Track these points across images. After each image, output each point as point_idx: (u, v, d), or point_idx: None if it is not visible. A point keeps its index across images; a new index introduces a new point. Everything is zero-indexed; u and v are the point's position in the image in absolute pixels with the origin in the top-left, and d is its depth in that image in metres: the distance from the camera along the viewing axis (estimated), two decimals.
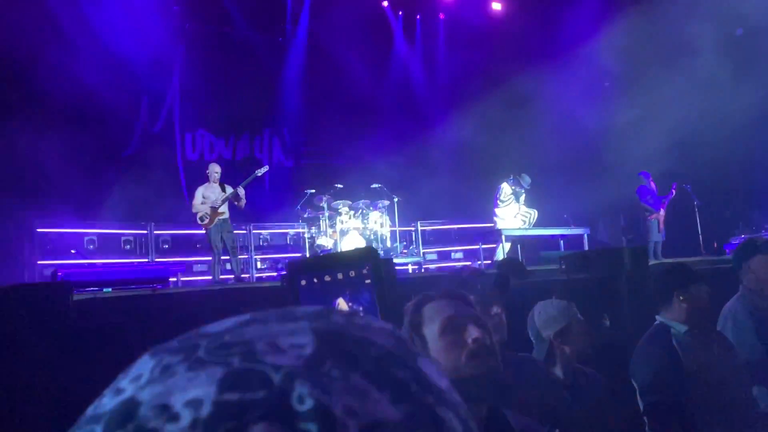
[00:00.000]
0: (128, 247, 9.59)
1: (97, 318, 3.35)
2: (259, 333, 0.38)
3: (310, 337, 0.37)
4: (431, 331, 1.56)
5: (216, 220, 8.21)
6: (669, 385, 2.57)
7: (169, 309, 3.69)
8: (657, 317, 2.88)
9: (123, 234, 9.65)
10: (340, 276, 0.84)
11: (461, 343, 1.52)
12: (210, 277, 8.57)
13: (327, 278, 0.86)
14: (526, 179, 9.54)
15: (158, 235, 9.88)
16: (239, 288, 4.91)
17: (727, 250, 10.67)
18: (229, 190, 8.43)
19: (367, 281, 0.85)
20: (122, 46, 10.48)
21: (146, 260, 9.34)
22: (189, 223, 10.18)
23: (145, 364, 0.37)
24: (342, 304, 0.88)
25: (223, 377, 0.34)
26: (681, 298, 2.73)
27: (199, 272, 9.74)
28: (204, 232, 8.29)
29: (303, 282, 0.87)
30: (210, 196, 8.34)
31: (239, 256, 8.69)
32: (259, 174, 8.86)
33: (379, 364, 0.37)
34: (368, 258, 0.85)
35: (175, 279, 7.32)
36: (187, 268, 9.29)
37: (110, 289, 5.22)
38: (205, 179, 8.53)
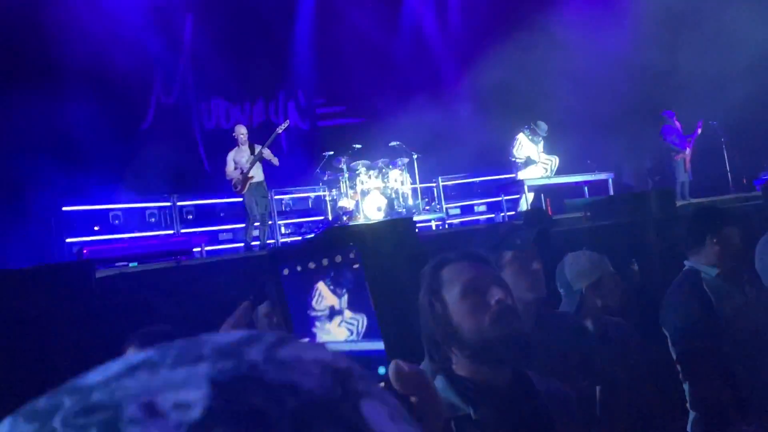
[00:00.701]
0: (153, 219, 9.68)
1: (123, 294, 3.37)
2: (140, 386, 0.30)
3: (205, 390, 0.29)
4: (452, 294, 1.52)
5: (248, 184, 8.10)
6: (701, 331, 2.51)
7: (193, 280, 3.71)
8: (686, 262, 2.80)
9: (147, 207, 9.73)
10: (325, 262, 0.79)
11: (484, 305, 1.48)
12: (242, 244, 8.50)
13: (311, 265, 0.81)
14: (543, 126, 9.34)
15: (182, 207, 9.95)
16: (260, 256, 4.91)
17: (757, 186, 10.42)
18: (259, 149, 8.33)
19: (355, 266, 0.79)
20: (131, 18, 10.43)
21: (171, 232, 9.43)
22: (212, 192, 10.26)
23: None
24: (323, 288, 0.82)
25: None
26: (714, 240, 2.64)
27: (224, 240, 9.82)
28: (240, 199, 8.25)
29: (285, 271, 0.82)
30: (240, 160, 8.21)
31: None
32: (280, 131, 8.67)
33: (298, 420, 0.29)
34: (355, 240, 0.79)
35: (199, 249, 7.37)
36: (211, 238, 9.36)
37: (136, 264, 5.28)
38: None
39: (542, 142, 9.50)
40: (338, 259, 0.77)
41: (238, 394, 0.29)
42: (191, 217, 9.93)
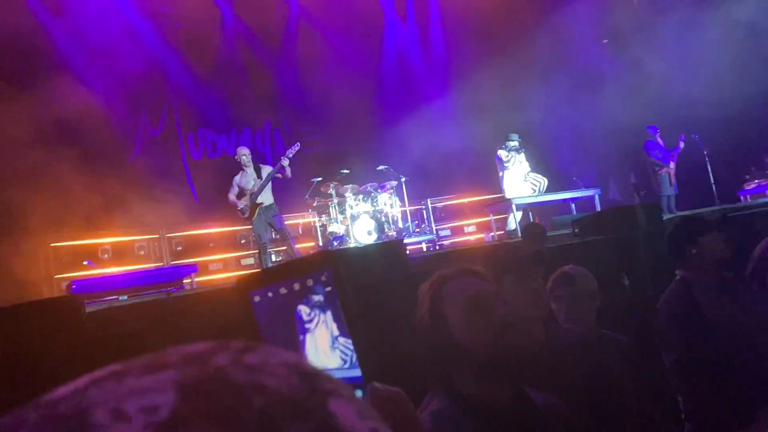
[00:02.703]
0: (142, 252, 9.62)
1: (113, 328, 3.34)
2: (106, 395, 0.30)
3: (170, 395, 0.29)
4: (454, 311, 1.50)
5: (258, 210, 7.90)
6: (693, 340, 2.52)
7: (183, 312, 3.68)
8: (676, 272, 2.82)
9: (136, 240, 9.68)
10: (297, 287, 0.78)
11: (488, 321, 1.47)
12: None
13: (283, 291, 0.80)
14: (513, 137, 9.51)
15: (171, 238, 9.90)
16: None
17: (741, 197, 10.55)
18: (266, 171, 8.10)
19: (328, 289, 0.79)
20: (116, 54, 10.47)
21: (161, 264, 9.37)
22: (201, 222, 10.22)
23: None
24: (304, 310, 0.82)
25: None
26: (693, 251, 2.67)
27: (214, 270, 9.77)
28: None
29: (257, 298, 0.81)
30: (246, 185, 8.01)
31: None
32: (291, 155, 8.33)
33: (266, 418, 0.29)
34: (327, 263, 0.78)
35: (189, 280, 7.32)
36: (202, 268, 9.30)
37: (126, 297, 5.24)
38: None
39: (523, 152, 9.58)
40: (310, 282, 0.76)
41: (205, 395, 0.30)
42: (180, 248, 9.88)
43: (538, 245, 3.88)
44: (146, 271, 8.05)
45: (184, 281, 6.63)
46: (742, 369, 2.51)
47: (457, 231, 12.01)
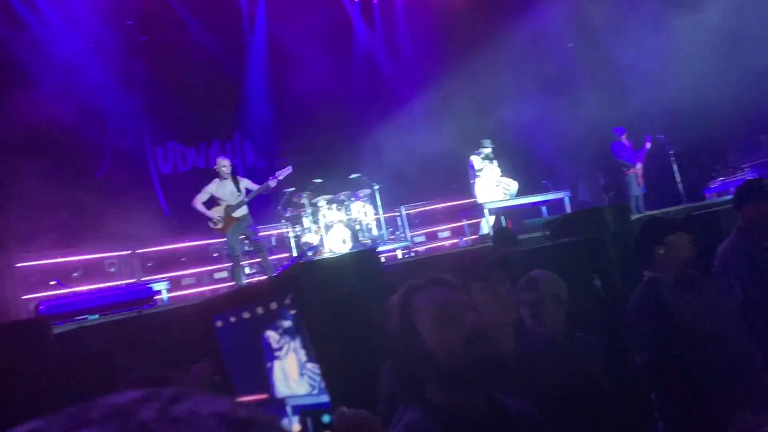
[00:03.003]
0: (113, 270, 9.45)
1: (83, 348, 3.28)
2: None
3: None
4: (424, 321, 1.51)
5: (233, 223, 7.73)
6: (662, 340, 2.56)
7: (155, 329, 3.62)
8: (644, 273, 2.86)
9: (106, 257, 9.50)
10: (260, 310, 0.76)
11: (458, 330, 1.48)
12: (233, 283, 8.11)
13: (246, 315, 0.78)
14: (486, 143, 9.62)
15: (142, 254, 9.74)
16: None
17: (707, 195, 10.77)
18: (244, 183, 7.91)
19: (292, 311, 0.78)
20: (81, 68, 10.32)
21: (132, 281, 9.22)
22: (172, 237, 10.08)
23: None
24: (272, 337, 0.80)
25: None
26: (661, 251, 2.71)
27: (187, 285, 9.64)
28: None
29: (219, 323, 0.79)
30: (223, 196, 7.80)
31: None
32: (282, 177, 8.32)
33: None
34: (290, 286, 0.76)
35: (160, 297, 7.21)
36: (174, 284, 9.17)
37: (97, 316, 5.14)
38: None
39: (496, 162, 9.68)
40: (273, 306, 0.75)
41: None
42: (152, 264, 9.73)
43: (508, 249, 3.91)
44: (117, 289, 7.92)
45: (156, 298, 6.54)
46: (712, 365, 2.55)
47: (432, 237, 12.06)
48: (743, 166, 11.03)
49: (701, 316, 2.65)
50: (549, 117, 11.22)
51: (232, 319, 0.79)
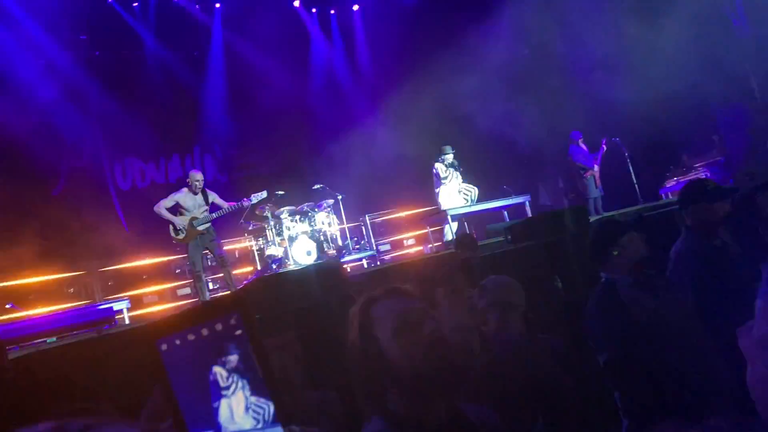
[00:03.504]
0: (71, 290, 9.21)
1: (40, 373, 3.18)
2: None
3: None
4: (384, 331, 1.51)
5: (196, 236, 7.56)
6: (621, 340, 2.61)
7: (115, 350, 3.54)
8: (601, 274, 2.92)
9: (64, 278, 9.26)
10: (205, 332, 0.75)
11: (417, 339, 1.48)
12: (197, 299, 7.95)
13: (191, 337, 0.77)
14: (447, 149, 9.73)
15: (102, 273, 9.53)
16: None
17: (662, 195, 11.07)
18: (212, 197, 7.76)
19: (238, 332, 0.76)
20: (35, 84, 10.09)
21: (92, 301, 9.00)
22: (133, 255, 9.87)
23: None
24: (219, 371, 0.79)
25: None
26: (615, 252, 2.77)
27: (149, 303, 9.45)
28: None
29: (164, 347, 0.78)
30: (191, 208, 7.62)
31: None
32: (255, 201, 8.25)
33: None
34: (235, 306, 0.75)
35: (122, 316, 7.05)
36: (135, 303, 8.98)
37: (54, 339, 5.00)
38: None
39: (460, 169, 9.78)
40: (219, 327, 0.73)
41: None
42: (112, 283, 9.51)
43: (470, 255, 3.95)
44: (76, 310, 7.72)
45: (117, 318, 6.40)
46: (671, 363, 2.61)
47: (397, 245, 12.09)
48: (696, 165, 11.37)
49: (659, 314, 2.70)
50: (508, 122, 11.38)
51: (177, 342, 0.78)
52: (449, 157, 9.70)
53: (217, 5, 12.43)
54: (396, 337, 1.50)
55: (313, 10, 13.63)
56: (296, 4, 13.27)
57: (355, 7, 13.83)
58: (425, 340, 1.47)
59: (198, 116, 12.34)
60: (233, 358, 0.79)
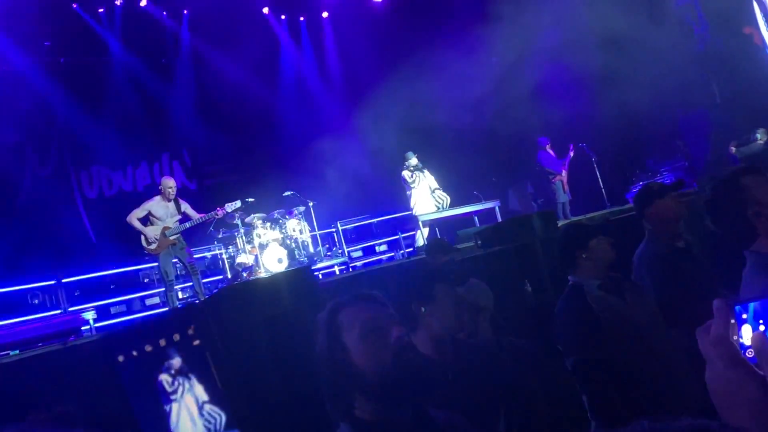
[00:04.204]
0: (36, 301, 8.99)
1: (3, 385, 3.11)
2: None
3: None
4: (351, 337, 1.51)
5: (167, 246, 7.44)
6: (588, 343, 2.65)
7: (83, 361, 3.47)
8: (569, 278, 2.96)
9: (29, 289, 9.04)
10: (162, 343, 0.75)
11: (384, 344, 1.49)
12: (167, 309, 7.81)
13: (148, 348, 0.77)
14: (410, 155, 9.80)
15: (68, 283, 9.32)
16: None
17: (629, 199, 11.26)
18: (184, 207, 7.64)
19: (196, 342, 0.77)
20: None
21: (58, 312, 8.79)
22: (100, 264, 9.68)
23: None
24: (166, 379, 0.79)
25: None
26: (583, 255, 2.82)
27: (118, 313, 9.28)
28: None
29: (121, 358, 0.78)
30: (163, 217, 7.49)
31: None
32: (230, 210, 8.14)
33: None
34: (193, 317, 0.75)
35: (88, 327, 6.90)
36: (103, 313, 8.79)
37: (18, 351, 4.88)
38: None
39: (426, 171, 9.83)
40: (176, 337, 0.73)
41: None
42: (78, 293, 9.32)
43: (442, 260, 3.97)
44: (42, 321, 7.55)
45: (84, 328, 6.27)
46: (638, 366, 2.66)
47: (369, 251, 12.07)
48: (661, 170, 11.61)
49: (626, 317, 2.75)
50: (477, 128, 11.48)
51: (134, 353, 0.77)
52: (413, 162, 9.76)
53: (185, 12, 12.32)
54: (363, 342, 1.50)
55: (283, 17, 13.60)
56: (265, 11, 13.23)
57: (325, 14, 13.84)
58: (392, 346, 1.48)
59: (166, 123, 12.20)
60: (176, 362, 0.79)
